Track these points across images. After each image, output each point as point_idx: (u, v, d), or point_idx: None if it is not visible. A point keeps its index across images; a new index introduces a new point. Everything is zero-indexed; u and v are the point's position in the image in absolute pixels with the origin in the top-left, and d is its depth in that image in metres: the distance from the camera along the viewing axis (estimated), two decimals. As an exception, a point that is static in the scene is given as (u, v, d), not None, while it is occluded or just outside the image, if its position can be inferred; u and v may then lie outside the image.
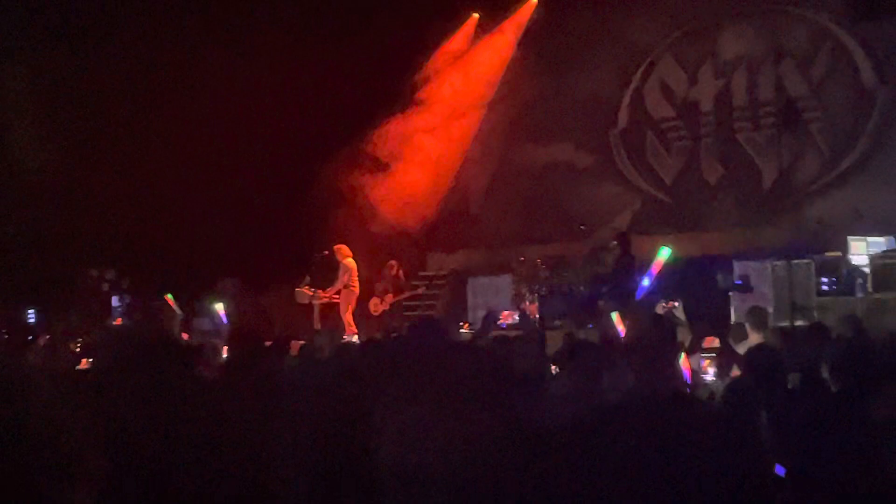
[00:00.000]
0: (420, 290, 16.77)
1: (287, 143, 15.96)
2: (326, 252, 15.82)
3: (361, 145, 17.80)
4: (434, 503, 3.20)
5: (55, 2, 15.45)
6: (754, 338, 8.67)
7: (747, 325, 9.22)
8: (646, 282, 13.79)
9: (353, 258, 15.68)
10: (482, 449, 3.56)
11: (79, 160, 15.10)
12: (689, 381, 6.61)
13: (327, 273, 15.94)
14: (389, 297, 15.96)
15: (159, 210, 15.68)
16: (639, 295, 13.81)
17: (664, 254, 13.86)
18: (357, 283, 15.60)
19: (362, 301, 15.87)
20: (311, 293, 15.77)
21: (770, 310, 12.92)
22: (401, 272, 16.31)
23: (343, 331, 14.90)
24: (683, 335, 9.92)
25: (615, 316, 10.30)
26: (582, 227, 16.36)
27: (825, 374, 5.46)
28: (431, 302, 17.59)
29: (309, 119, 15.97)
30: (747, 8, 17.74)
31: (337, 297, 15.66)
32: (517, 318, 14.77)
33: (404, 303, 16.32)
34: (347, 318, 15.46)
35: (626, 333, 8.75)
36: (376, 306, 16.03)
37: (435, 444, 3.68)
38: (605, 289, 13.97)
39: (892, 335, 6.94)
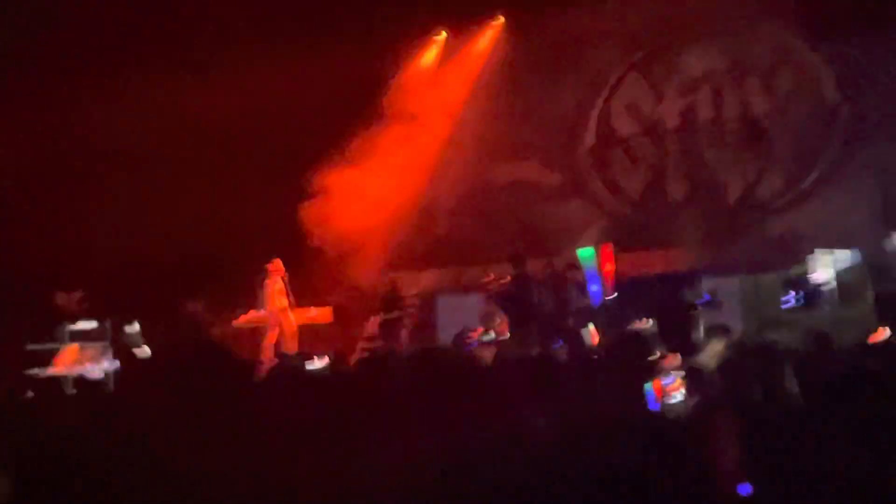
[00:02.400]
0: (409, 311, 16.74)
1: (252, 161, 15.89)
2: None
3: (327, 163, 17.76)
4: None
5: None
6: (711, 353, 8.74)
7: (704, 342, 9.27)
8: (594, 287, 13.95)
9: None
10: (464, 465, 3.51)
11: (37, 177, 14.95)
12: (657, 403, 6.59)
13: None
14: (379, 317, 15.94)
15: (122, 230, 15.52)
16: (597, 301, 13.94)
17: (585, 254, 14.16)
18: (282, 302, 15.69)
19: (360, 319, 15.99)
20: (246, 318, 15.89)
21: (738, 325, 13.02)
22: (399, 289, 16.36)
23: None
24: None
25: (591, 328, 10.26)
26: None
27: (792, 389, 5.46)
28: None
29: (274, 137, 15.92)
30: (711, 26, 17.87)
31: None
32: (492, 334, 14.72)
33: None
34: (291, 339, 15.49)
35: (600, 350, 8.75)
36: (373, 324, 16.01)
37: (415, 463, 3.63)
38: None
39: (857, 348, 6.98)
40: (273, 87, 15.44)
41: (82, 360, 13.85)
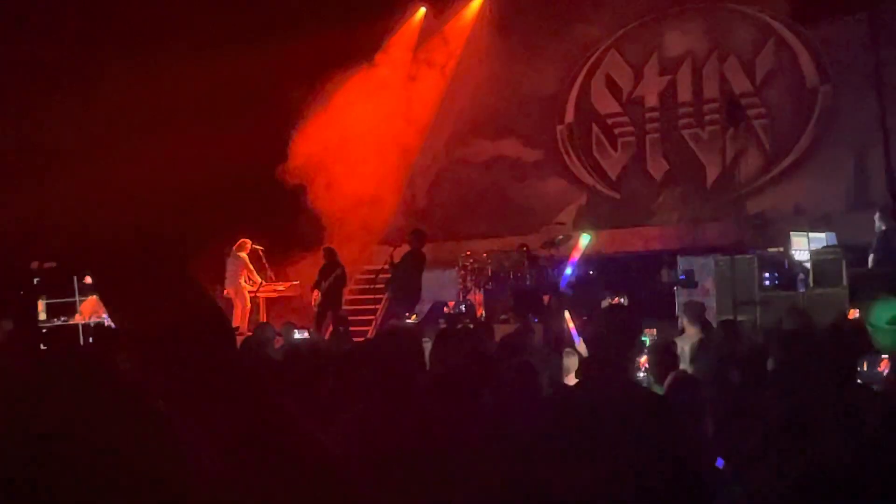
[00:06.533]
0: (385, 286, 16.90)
1: (230, 137, 15.78)
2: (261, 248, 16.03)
3: (303, 140, 17.73)
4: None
5: None
6: (691, 332, 8.74)
7: (684, 320, 9.27)
8: (568, 270, 14.07)
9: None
10: (443, 439, 3.52)
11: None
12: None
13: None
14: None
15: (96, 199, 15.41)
16: (563, 284, 14.02)
17: (584, 241, 14.31)
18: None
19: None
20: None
21: (713, 304, 13.07)
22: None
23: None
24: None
25: (567, 315, 10.36)
26: (559, 238, 15.98)
27: (769, 367, 5.50)
28: (379, 296, 17.44)
29: (257, 112, 15.82)
30: (692, 5, 17.89)
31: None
32: (462, 308, 14.76)
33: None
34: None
35: (587, 327, 8.80)
36: (316, 299, 16.01)
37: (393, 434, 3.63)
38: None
39: (833, 327, 7.03)
40: (245, 73, 15.38)
41: (100, 310, 14.41)
